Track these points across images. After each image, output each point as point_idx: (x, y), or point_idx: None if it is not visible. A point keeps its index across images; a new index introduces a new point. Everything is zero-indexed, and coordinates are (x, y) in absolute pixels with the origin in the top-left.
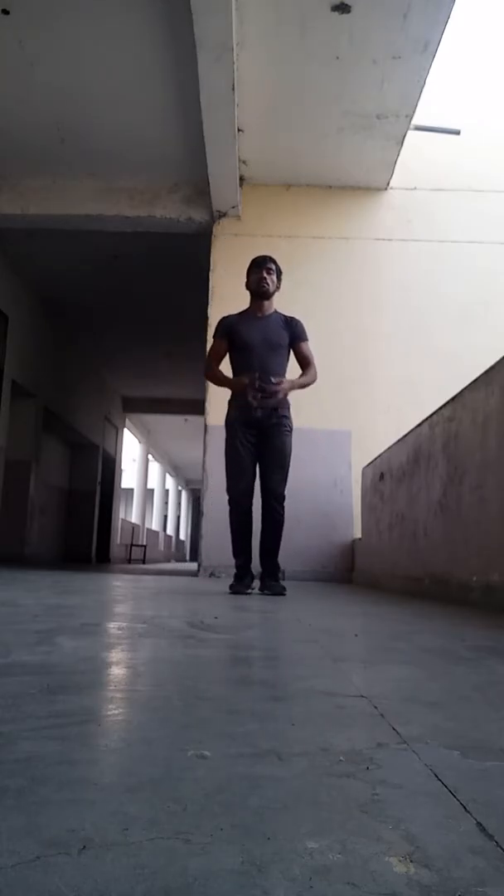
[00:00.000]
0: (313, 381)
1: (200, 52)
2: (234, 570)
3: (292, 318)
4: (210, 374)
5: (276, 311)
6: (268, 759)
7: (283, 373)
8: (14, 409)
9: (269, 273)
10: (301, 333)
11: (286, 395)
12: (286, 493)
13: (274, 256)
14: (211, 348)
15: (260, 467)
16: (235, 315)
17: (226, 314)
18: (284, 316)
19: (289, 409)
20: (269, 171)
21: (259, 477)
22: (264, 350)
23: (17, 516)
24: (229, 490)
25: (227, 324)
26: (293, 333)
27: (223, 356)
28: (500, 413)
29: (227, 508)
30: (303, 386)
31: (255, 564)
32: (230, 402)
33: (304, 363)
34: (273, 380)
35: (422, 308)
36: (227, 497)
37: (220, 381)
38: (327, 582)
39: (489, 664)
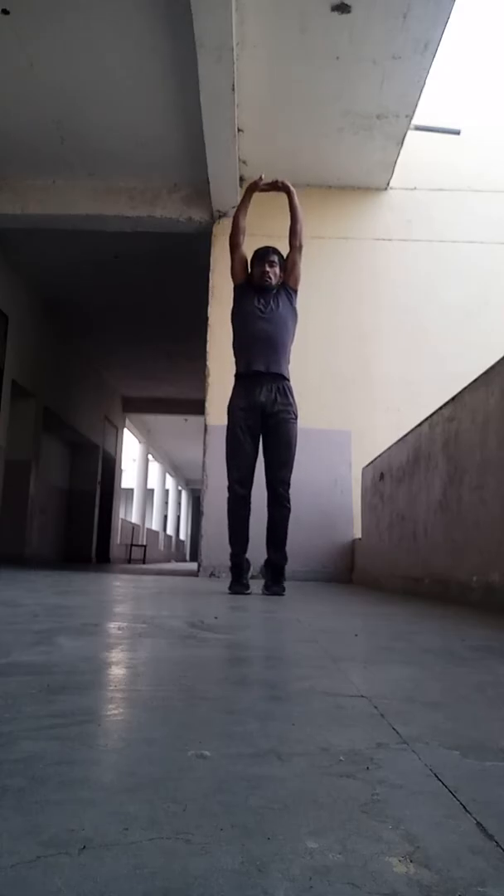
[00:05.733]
0: (303, 231)
1: (200, 52)
2: (230, 565)
3: (277, 291)
4: (234, 237)
5: (273, 296)
6: (268, 759)
7: (286, 354)
8: (14, 409)
9: (271, 266)
10: (283, 281)
11: (287, 187)
12: (291, 481)
13: None
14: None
15: (265, 455)
16: (251, 291)
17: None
18: (276, 294)
19: (293, 395)
20: (269, 171)
21: (264, 465)
22: (266, 342)
23: (17, 516)
24: (228, 476)
25: (247, 284)
26: (287, 291)
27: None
28: (500, 413)
29: (226, 507)
30: (295, 216)
31: (256, 562)
32: (234, 385)
33: (291, 231)
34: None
35: (421, 308)
36: (226, 485)
37: (240, 211)
38: (327, 582)
39: (489, 664)
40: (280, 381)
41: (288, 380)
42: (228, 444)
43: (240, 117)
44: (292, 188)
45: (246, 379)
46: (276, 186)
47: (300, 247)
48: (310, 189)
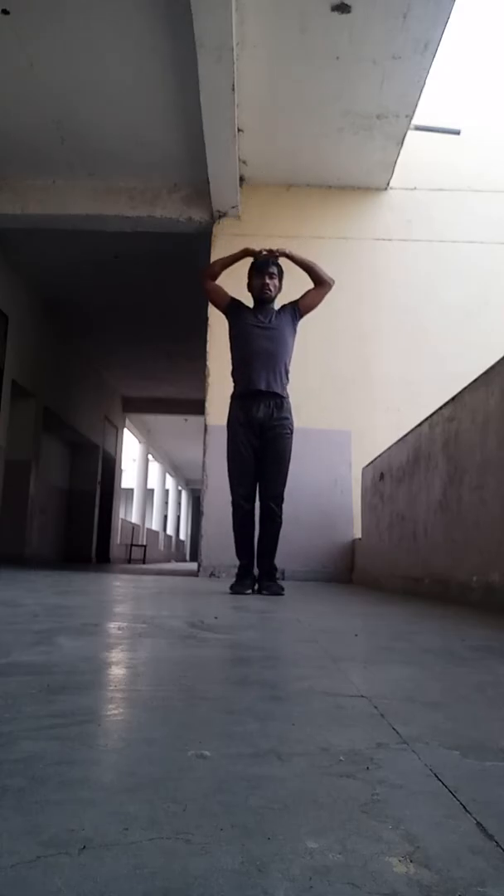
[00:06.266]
0: (325, 273)
1: (200, 52)
2: (237, 571)
3: (283, 306)
4: (211, 271)
5: (276, 312)
6: (268, 759)
7: (285, 371)
8: (14, 409)
9: (271, 278)
10: (297, 301)
11: (290, 255)
12: (284, 493)
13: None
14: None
15: (259, 469)
16: (245, 308)
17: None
18: (281, 310)
19: (290, 410)
20: (269, 171)
21: (258, 478)
22: (266, 361)
23: (17, 516)
24: (232, 492)
25: (237, 304)
26: (293, 310)
27: (222, 291)
28: (500, 413)
29: (227, 509)
30: (310, 266)
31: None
32: (231, 402)
33: (315, 280)
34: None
35: (421, 308)
36: (229, 498)
37: (225, 260)
38: (327, 582)
39: (489, 664)
40: (278, 398)
41: (286, 398)
42: (232, 461)
43: (240, 117)
44: (289, 251)
45: (244, 397)
46: (274, 255)
47: (332, 283)
48: (310, 189)
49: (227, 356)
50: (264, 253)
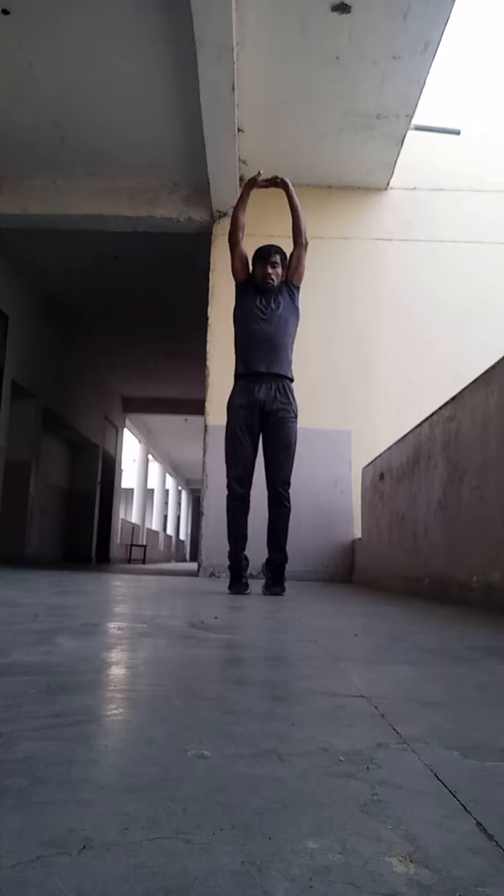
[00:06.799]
0: (306, 229)
1: (200, 52)
2: (229, 564)
3: (279, 287)
4: (235, 220)
5: (276, 295)
6: (268, 759)
7: (288, 355)
8: (14, 409)
9: (273, 267)
10: (288, 267)
11: (286, 183)
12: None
13: None
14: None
15: (264, 455)
16: (252, 289)
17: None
18: (278, 292)
19: (293, 395)
20: (269, 171)
21: (264, 465)
22: (268, 345)
23: (17, 516)
24: (227, 474)
25: (249, 283)
26: (290, 288)
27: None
28: (500, 413)
29: (225, 506)
30: (298, 215)
31: (256, 562)
32: (235, 383)
33: (295, 230)
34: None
35: (421, 308)
36: (225, 484)
37: (240, 206)
38: (327, 582)
39: (489, 664)
40: (280, 380)
41: (289, 378)
42: (227, 442)
43: (240, 117)
44: (290, 184)
45: (246, 378)
46: (275, 183)
47: (306, 244)
48: (310, 189)
49: (227, 356)
50: (263, 179)
